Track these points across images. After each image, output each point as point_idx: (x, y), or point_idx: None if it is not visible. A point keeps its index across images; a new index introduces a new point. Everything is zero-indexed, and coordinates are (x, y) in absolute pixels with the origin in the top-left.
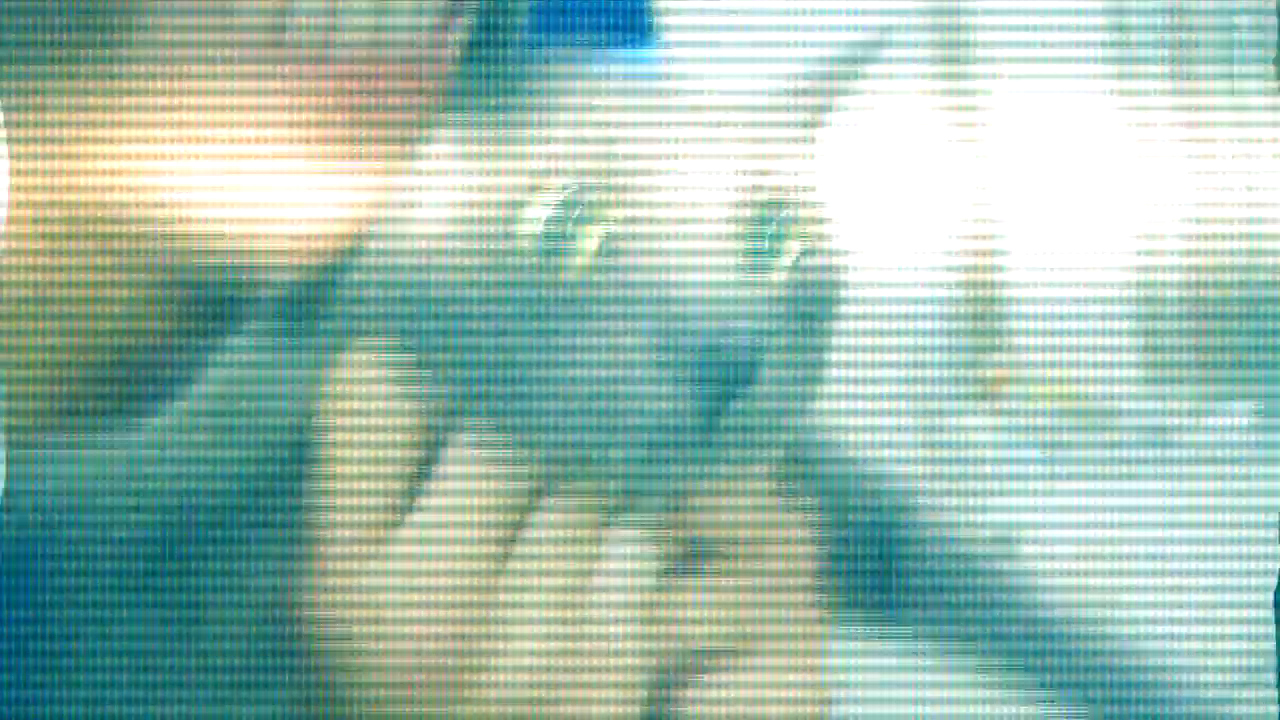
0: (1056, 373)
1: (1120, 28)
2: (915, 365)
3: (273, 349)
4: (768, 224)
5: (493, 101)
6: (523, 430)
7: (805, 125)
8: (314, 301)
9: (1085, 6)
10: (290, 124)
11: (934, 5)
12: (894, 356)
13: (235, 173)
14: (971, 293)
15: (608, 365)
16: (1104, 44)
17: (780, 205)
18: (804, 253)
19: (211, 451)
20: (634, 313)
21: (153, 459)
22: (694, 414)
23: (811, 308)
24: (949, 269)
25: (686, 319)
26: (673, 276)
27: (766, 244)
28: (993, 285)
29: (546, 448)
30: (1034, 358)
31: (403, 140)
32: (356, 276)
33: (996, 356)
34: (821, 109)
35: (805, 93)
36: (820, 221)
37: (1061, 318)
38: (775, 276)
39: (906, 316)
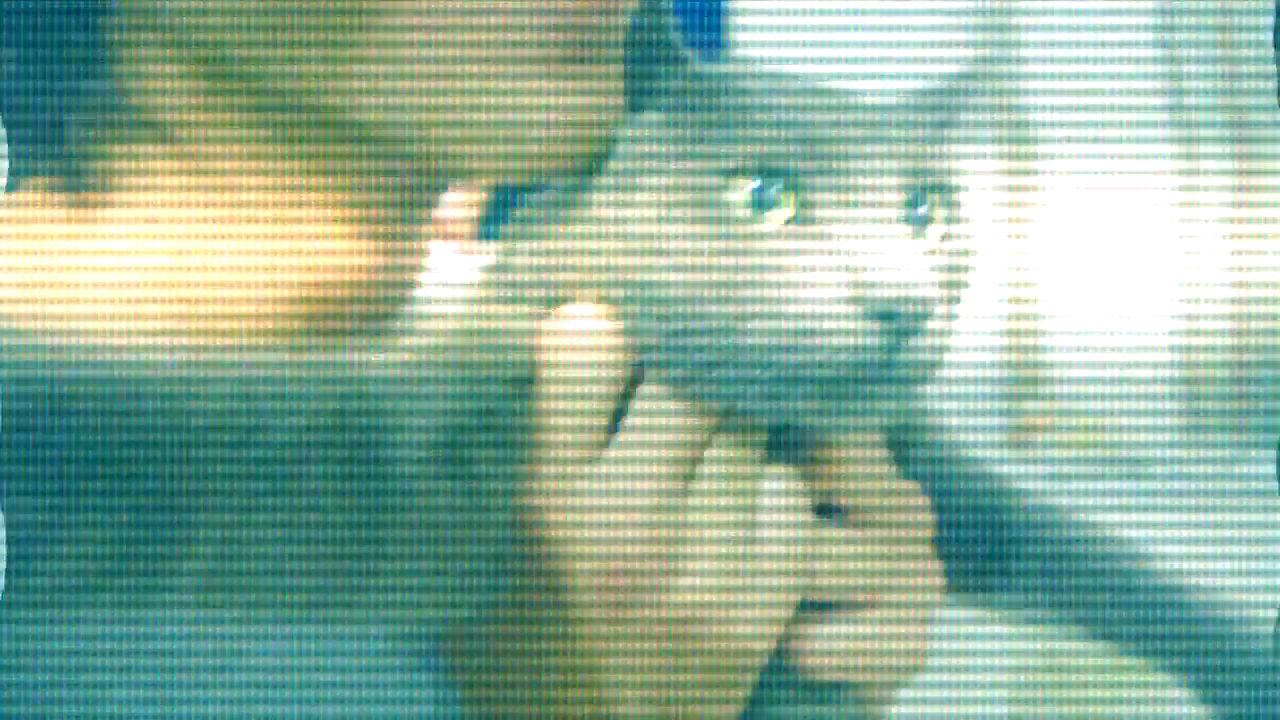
0: (1091, 420)
1: (1177, 107)
2: (956, 411)
3: (499, 298)
4: (920, 205)
5: (703, 88)
6: (718, 368)
7: (944, 126)
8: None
9: (1141, 70)
10: (526, 41)
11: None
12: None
13: (480, 89)
14: (1012, 340)
15: (801, 313)
16: (1159, 109)
17: (930, 189)
18: (945, 235)
19: (448, 387)
20: (823, 268)
21: (399, 386)
22: (874, 354)
23: (948, 282)
24: (992, 317)
25: (870, 275)
26: (854, 240)
27: (920, 221)
28: (1034, 334)
29: (735, 384)
30: (1070, 405)
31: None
32: (576, 235)
33: (1033, 404)
34: (956, 114)
35: (943, 97)
36: (958, 206)
37: (1100, 365)
38: (926, 249)
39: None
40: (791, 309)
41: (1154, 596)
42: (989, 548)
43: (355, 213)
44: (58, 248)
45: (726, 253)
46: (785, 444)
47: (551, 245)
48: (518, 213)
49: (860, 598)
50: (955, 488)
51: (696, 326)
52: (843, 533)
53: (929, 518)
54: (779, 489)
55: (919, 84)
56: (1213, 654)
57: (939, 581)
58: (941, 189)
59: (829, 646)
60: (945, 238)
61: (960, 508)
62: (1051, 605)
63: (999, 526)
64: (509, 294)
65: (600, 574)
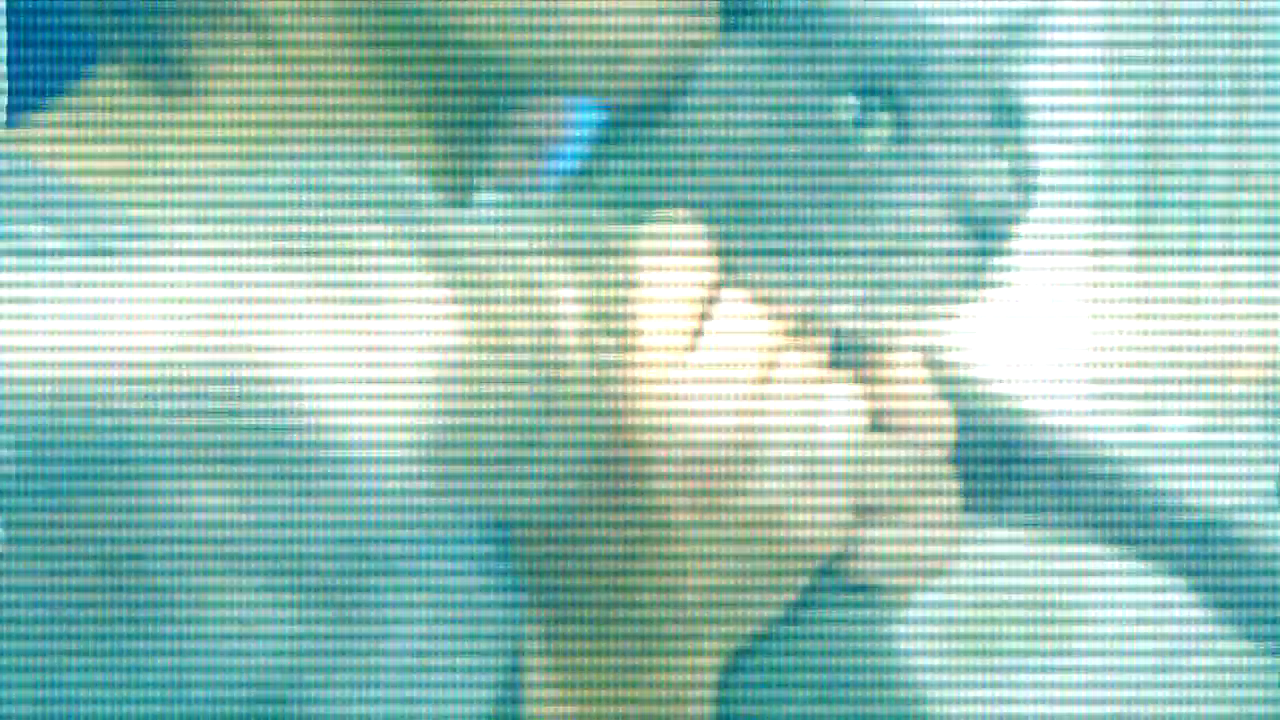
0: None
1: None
2: None
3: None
4: (1004, 126)
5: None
6: (809, 278)
7: (1025, 50)
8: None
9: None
10: None
11: None
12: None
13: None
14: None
15: (900, 223)
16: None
17: (1013, 109)
18: (1019, 155)
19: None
20: (922, 180)
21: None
22: (968, 262)
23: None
24: None
25: (968, 184)
26: (951, 156)
27: (1003, 140)
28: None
29: (824, 294)
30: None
31: None
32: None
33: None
34: (1034, 45)
35: (1023, 28)
36: (1027, 127)
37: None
38: (1011, 167)
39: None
40: (889, 215)
41: (1154, 501)
42: (1001, 464)
43: (441, 117)
44: (157, 136)
45: (828, 168)
46: (846, 356)
47: (646, 157)
48: (604, 121)
49: (902, 505)
50: (973, 406)
51: (792, 235)
52: (889, 442)
53: (952, 433)
54: (844, 397)
55: (1000, 17)
56: (1216, 559)
57: (960, 493)
58: (1021, 109)
59: (874, 550)
60: (1019, 157)
61: (977, 426)
62: (1058, 515)
63: (1011, 445)
64: (603, 200)
65: (681, 470)
